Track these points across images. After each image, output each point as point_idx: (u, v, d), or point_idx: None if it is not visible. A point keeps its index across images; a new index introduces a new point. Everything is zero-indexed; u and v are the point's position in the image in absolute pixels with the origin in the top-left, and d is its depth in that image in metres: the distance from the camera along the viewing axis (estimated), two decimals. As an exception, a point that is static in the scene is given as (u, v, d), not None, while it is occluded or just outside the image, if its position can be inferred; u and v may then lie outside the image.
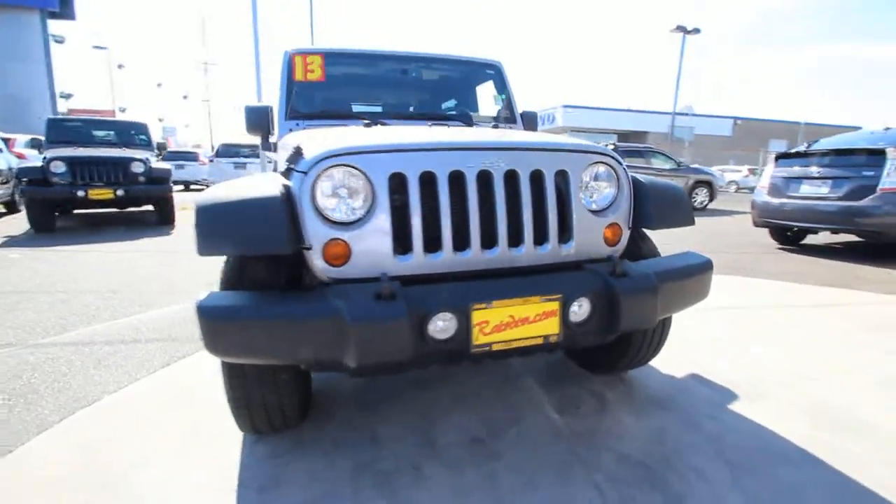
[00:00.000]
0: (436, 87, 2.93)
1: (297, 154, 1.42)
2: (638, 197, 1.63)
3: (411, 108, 2.91)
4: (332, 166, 1.30)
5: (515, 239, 1.44)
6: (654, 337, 1.86)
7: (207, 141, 36.71)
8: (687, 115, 28.34)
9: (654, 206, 1.63)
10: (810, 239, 6.14)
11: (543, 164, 1.46)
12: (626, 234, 1.62)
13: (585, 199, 1.55)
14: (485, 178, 1.39)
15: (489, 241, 1.41)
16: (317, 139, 1.55)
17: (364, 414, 1.79)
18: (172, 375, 2.12)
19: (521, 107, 2.84)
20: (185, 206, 7.65)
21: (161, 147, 8.11)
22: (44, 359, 2.26)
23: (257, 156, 12.69)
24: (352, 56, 2.61)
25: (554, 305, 1.35)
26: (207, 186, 8.41)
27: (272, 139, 2.40)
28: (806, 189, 5.20)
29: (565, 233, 1.51)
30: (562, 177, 1.50)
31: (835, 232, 5.21)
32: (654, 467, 1.46)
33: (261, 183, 1.39)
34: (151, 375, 2.11)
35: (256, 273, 1.38)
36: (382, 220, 1.32)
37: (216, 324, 1.18)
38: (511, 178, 1.42)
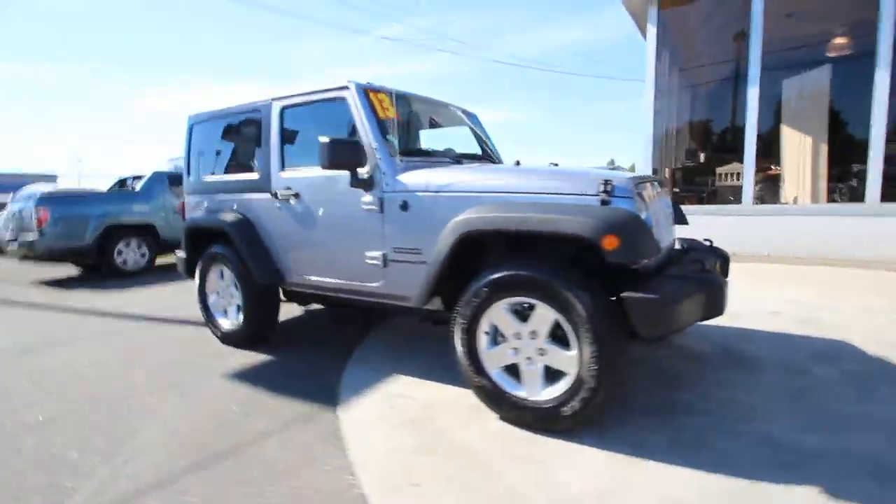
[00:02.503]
0: (451, 131, 3.32)
1: (601, 183, 1.81)
2: None
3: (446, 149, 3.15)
4: (638, 188, 1.88)
5: None
6: None
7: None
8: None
9: None
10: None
11: None
12: None
13: None
14: None
15: None
16: (541, 174, 2.11)
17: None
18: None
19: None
20: None
21: None
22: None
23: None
24: (401, 97, 2.71)
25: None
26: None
27: (362, 173, 2.35)
28: None
29: None
30: None
31: None
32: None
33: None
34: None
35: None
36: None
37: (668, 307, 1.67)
38: None
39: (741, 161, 6.11)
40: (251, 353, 2.96)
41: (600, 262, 1.74)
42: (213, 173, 3.24)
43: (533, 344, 1.86)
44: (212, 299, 3.22)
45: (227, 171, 3.17)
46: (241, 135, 3.09)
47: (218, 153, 3.25)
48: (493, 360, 1.97)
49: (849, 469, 1.57)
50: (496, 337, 1.98)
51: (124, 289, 5.44)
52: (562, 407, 1.77)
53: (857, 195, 5.76)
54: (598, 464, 1.65)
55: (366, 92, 2.47)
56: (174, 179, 6.60)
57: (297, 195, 2.67)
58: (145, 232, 6.46)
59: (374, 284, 2.44)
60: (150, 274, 6.36)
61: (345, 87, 2.48)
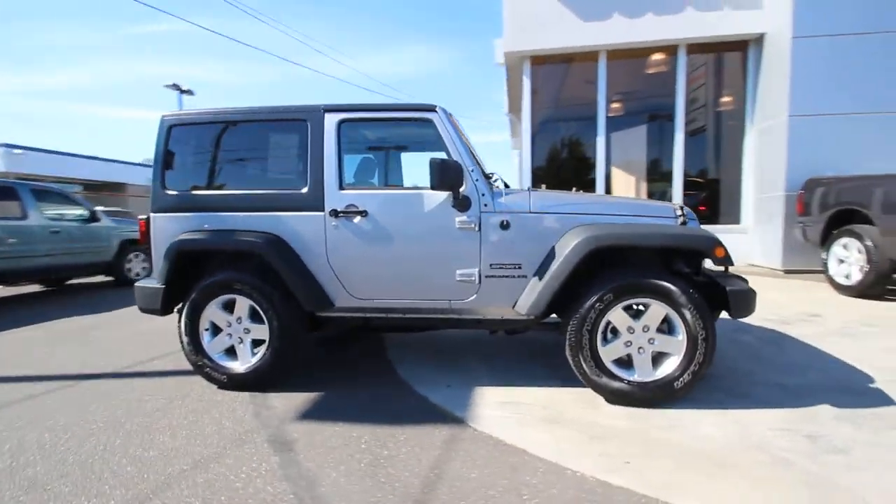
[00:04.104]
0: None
1: (677, 209, 2.44)
2: None
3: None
4: None
5: None
6: None
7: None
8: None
9: None
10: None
11: None
12: None
13: None
14: None
15: None
16: (628, 201, 2.60)
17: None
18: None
19: None
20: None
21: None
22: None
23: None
24: None
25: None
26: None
27: (463, 191, 2.46)
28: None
29: None
30: None
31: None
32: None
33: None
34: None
35: None
36: None
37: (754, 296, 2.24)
38: None
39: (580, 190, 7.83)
40: (288, 395, 2.59)
41: (691, 267, 2.32)
42: (213, 186, 2.71)
43: (645, 336, 2.32)
44: (208, 339, 2.66)
45: (240, 184, 2.70)
46: (268, 144, 2.71)
47: (219, 164, 2.74)
48: (608, 355, 2.34)
49: (821, 391, 2.49)
50: (607, 335, 2.37)
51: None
52: (675, 382, 2.27)
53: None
54: (704, 416, 2.20)
55: (448, 115, 2.56)
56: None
57: (363, 213, 2.53)
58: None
59: (466, 300, 2.52)
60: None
61: (431, 110, 2.53)
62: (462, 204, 2.46)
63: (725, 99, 7.87)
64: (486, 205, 2.48)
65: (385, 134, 2.82)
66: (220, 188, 2.70)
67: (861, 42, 6.03)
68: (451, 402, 2.45)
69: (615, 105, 8.00)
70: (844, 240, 4.83)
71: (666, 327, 2.33)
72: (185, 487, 1.73)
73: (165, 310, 2.71)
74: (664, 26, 7.03)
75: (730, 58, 7.66)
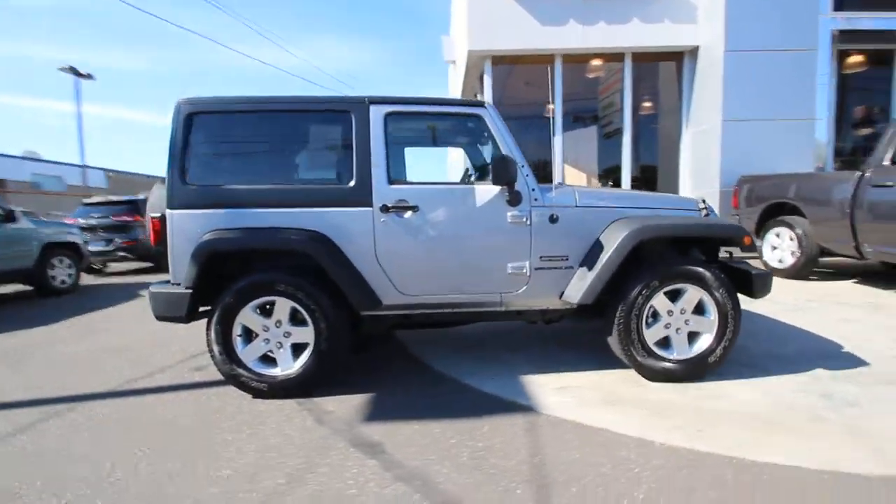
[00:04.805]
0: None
1: (700, 202, 2.64)
2: None
3: None
4: None
5: None
6: None
7: None
8: (35, 160, 22.88)
9: None
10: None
11: None
12: None
13: None
14: None
15: None
16: (658, 196, 2.86)
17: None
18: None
19: None
20: None
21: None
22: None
23: None
24: None
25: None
26: None
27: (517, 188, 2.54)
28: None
29: None
30: None
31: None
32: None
33: None
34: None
35: None
36: None
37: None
38: None
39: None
40: (338, 399, 2.49)
41: (710, 254, 2.60)
42: (244, 180, 2.50)
43: (682, 318, 2.56)
44: (242, 345, 2.47)
45: (274, 178, 2.52)
46: (307, 136, 2.56)
47: (251, 156, 2.53)
48: (651, 337, 2.55)
49: (808, 358, 2.91)
50: (649, 319, 2.57)
51: None
52: (709, 357, 2.53)
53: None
54: (734, 386, 2.49)
55: (496, 111, 2.60)
56: None
57: (414, 209, 2.50)
58: None
59: (516, 293, 2.60)
60: None
61: (481, 105, 2.55)
62: (515, 199, 2.52)
63: (654, 104, 8.70)
64: (535, 199, 2.56)
65: (426, 128, 2.79)
66: (252, 182, 2.50)
67: (777, 57, 6.98)
68: (507, 391, 2.51)
69: (568, 106, 8.48)
70: (778, 229, 5.60)
71: (698, 309, 2.58)
72: (294, 502, 1.63)
73: (190, 317, 2.46)
74: (613, 35, 7.58)
75: (666, 67, 8.46)
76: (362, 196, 2.48)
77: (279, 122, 2.54)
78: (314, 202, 2.48)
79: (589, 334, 3.45)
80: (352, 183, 2.48)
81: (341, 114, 2.50)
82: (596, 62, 8.32)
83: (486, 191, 2.53)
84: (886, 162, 4.35)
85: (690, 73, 7.91)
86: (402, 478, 1.74)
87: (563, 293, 2.62)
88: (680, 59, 8.01)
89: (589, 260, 2.56)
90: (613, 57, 7.99)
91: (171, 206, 2.46)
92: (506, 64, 8.16)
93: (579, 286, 2.54)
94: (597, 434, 2.05)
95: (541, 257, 2.59)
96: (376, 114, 2.51)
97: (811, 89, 7.09)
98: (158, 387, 2.78)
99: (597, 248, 2.56)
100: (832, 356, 2.92)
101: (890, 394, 2.37)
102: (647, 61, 8.17)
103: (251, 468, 1.84)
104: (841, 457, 1.82)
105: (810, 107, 7.13)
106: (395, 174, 2.56)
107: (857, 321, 3.68)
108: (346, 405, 2.39)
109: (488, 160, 2.68)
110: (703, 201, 2.81)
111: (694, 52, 7.76)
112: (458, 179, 3.58)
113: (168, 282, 2.57)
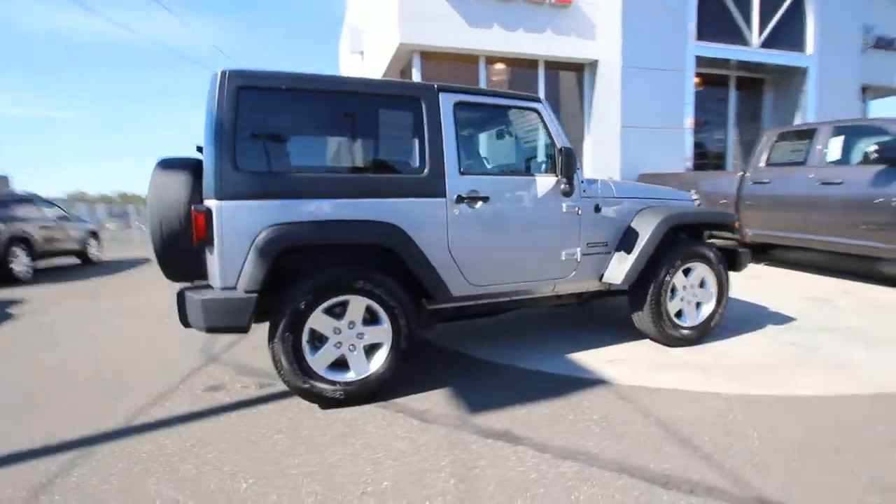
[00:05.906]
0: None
1: (693, 193, 2.50)
2: None
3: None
4: None
5: None
6: None
7: None
8: None
9: None
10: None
11: None
12: None
13: None
14: None
15: None
16: (667, 189, 2.85)
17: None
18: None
19: None
20: None
21: None
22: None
23: None
24: None
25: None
26: None
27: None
28: None
29: None
30: None
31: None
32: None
33: None
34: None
35: None
36: None
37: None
38: None
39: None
40: (414, 398, 2.41)
41: (699, 236, 3.16)
42: (306, 167, 2.23)
43: (692, 291, 3.04)
44: (311, 353, 2.23)
45: (337, 165, 2.30)
46: (374, 122, 2.37)
47: (312, 140, 2.27)
48: (672, 310, 2.99)
49: (753, 319, 3.70)
50: (670, 294, 3.00)
51: None
52: (710, 321, 3.07)
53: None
54: (729, 344, 3.07)
55: (549, 106, 2.76)
56: None
57: (485, 199, 2.52)
58: None
59: (567, 278, 2.80)
60: None
61: (538, 100, 2.67)
62: (570, 189, 2.71)
63: (568, 110, 9.72)
64: (584, 190, 2.79)
65: (482, 118, 2.79)
66: (312, 170, 2.25)
67: (658, 75, 8.37)
68: (568, 369, 2.71)
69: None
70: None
71: (701, 283, 3.10)
72: (491, 495, 1.60)
73: (250, 325, 2.13)
74: (532, 42, 8.23)
75: (567, 76, 9.47)
76: (435, 186, 2.42)
77: (343, 105, 2.32)
78: (385, 192, 2.33)
79: (593, 314, 3.83)
80: (425, 172, 2.40)
81: (412, 100, 2.39)
82: (516, 68, 8.90)
83: (547, 181, 2.67)
84: (762, 164, 5.62)
85: (591, 83, 8.99)
86: (563, 455, 1.82)
87: (601, 276, 2.91)
88: (581, 70, 9.04)
89: (625, 245, 2.89)
90: (530, 63, 8.67)
91: (217, 197, 2.09)
92: (432, 60, 8.26)
93: (620, 269, 2.85)
94: (670, 395, 2.37)
95: (587, 244, 2.83)
96: (446, 102, 2.46)
97: (681, 103, 8.67)
98: (196, 412, 2.32)
99: (630, 234, 2.90)
100: (767, 316, 3.75)
101: (834, 338, 3.16)
102: (556, 70, 9.04)
103: (404, 475, 1.73)
104: (837, 383, 2.43)
105: (681, 118, 8.72)
106: (465, 164, 2.55)
107: (757, 289, 4.72)
108: (428, 402, 2.34)
109: (537, 152, 2.83)
110: (695, 193, 3.37)
111: (593, 65, 8.84)
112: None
113: (207, 286, 2.18)
